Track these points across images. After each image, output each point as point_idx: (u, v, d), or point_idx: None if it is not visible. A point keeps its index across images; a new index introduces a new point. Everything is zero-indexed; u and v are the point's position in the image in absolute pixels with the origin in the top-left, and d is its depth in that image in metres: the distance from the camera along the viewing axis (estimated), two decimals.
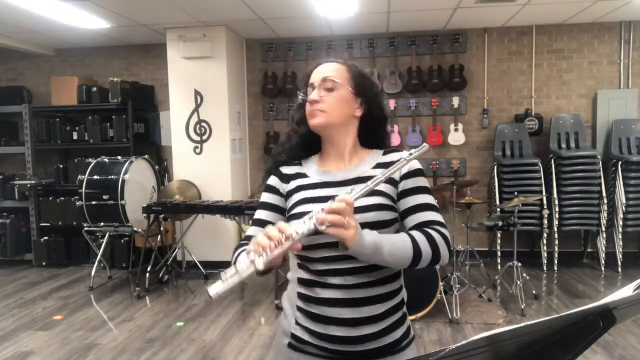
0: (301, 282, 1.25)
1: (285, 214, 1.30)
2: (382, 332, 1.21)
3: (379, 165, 1.28)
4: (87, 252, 5.71)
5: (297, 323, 1.25)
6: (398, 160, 1.21)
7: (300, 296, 1.25)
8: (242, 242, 1.26)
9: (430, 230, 1.18)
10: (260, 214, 1.32)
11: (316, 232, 1.07)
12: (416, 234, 1.17)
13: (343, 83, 1.29)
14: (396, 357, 1.24)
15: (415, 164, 1.28)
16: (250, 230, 1.31)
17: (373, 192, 1.23)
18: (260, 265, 1.02)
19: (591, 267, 5.33)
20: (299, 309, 1.25)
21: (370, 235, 1.11)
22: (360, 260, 1.13)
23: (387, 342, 1.22)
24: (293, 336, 1.26)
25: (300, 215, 1.20)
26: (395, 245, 1.13)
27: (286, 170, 1.35)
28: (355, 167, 1.30)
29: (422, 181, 1.27)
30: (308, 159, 1.37)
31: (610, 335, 3.42)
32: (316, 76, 1.31)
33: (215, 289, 1.01)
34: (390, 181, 1.25)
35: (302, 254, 1.24)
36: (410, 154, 1.21)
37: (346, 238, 1.06)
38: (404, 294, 1.31)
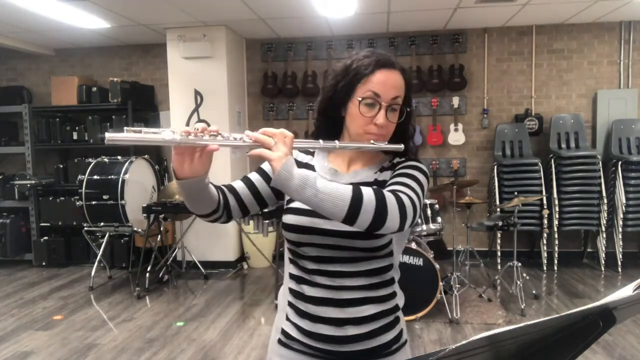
0: (292, 277, 1.25)
1: (279, 200, 1.29)
2: (369, 335, 1.19)
3: (383, 169, 1.26)
4: (87, 252, 5.71)
5: (287, 319, 1.25)
6: (374, 146, 1.18)
7: (291, 292, 1.25)
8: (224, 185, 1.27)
9: (384, 190, 1.09)
10: (251, 176, 1.30)
11: (239, 144, 1.04)
12: (364, 187, 1.07)
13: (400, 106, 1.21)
14: None
15: (418, 164, 1.24)
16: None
17: (376, 184, 1.21)
18: (168, 136, 0.99)
19: (591, 267, 5.33)
20: (290, 304, 1.25)
21: (304, 170, 1.04)
22: (291, 196, 1.04)
23: (374, 344, 1.19)
24: (283, 332, 1.26)
25: (297, 210, 1.21)
26: (332, 185, 1.04)
27: (299, 157, 1.32)
28: (361, 171, 1.27)
29: (413, 172, 1.20)
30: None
31: (610, 335, 3.42)
32: (387, 92, 1.17)
33: (114, 136, 0.96)
34: (384, 184, 1.23)
35: (292, 249, 1.23)
36: (384, 144, 1.19)
37: (270, 158, 1.02)
38: (398, 300, 1.26)
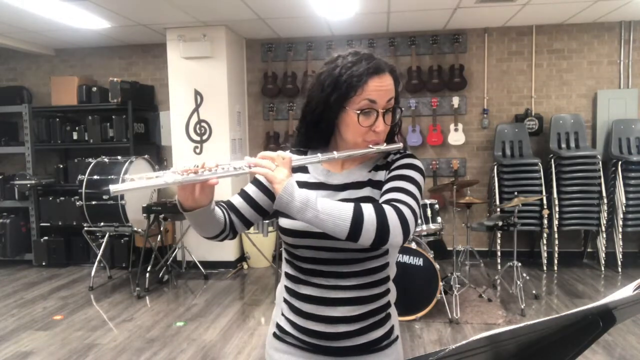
0: (287, 276, 1.29)
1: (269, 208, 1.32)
2: (359, 332, 1.21)
3: (377, 168, 1.26)
4: (87, 252, 5.71)
5: (282, 314, 1.30)
6: (371, 149, 1.20)
7: (287, 290, 1.29)
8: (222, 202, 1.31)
9: (384, 204, 1.09)
10: (248, 188, 1.34)
11: (240, 173, 1.10)
12: (364, 203, 1.08)
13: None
14: (374, 356, 1.24)
15: (412, 160, 1.23)
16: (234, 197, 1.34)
17: (370, 184, 1.22)
18: (169, 179, 1.05)
19: (591, 267, 5.33)
20: (285, 301, 1.29)
21: (305, 192, 1.07)
22: (293, 217, 1.08)
23: (363, 341, 1.22)
24: (278, 326, 1.31)
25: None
26: (332, 205, 1.06)
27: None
28: (354, 170, 1.26)
29: (409, 172, 1.20)
30: (316, 152, 1.32)
31: (610, 335, 3.42)
32: (382, 98, 1.17)
33: (118, 187, 1.05)
34: (378, 184, 1.22)
35: (289, 250, 1.26)
36: (382, 146, 1.20)
37: (272, 180, 1.06)
38: (390, 297, 1.28)
